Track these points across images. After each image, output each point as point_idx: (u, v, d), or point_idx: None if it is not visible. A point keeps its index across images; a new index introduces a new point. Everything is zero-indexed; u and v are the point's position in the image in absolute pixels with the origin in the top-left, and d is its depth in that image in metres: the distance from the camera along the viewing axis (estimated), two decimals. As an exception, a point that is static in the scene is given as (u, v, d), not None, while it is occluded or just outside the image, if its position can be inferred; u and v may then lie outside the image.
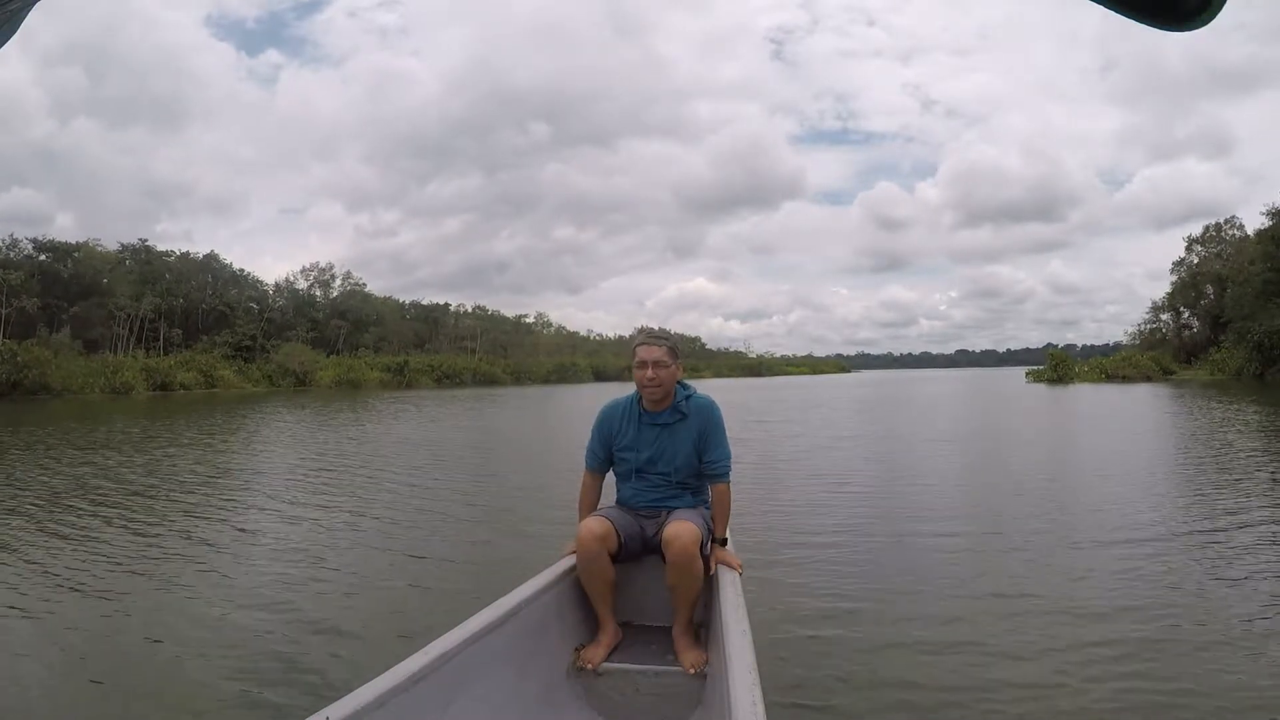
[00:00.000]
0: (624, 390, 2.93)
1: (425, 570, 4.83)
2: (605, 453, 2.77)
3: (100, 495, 7.56)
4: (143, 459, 10.73)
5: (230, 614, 3.91)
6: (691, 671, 2.29)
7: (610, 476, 2.86)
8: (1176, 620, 3.57)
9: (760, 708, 1.53)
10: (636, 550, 2.62)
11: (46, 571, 4.69)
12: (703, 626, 2.54)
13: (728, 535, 2.69)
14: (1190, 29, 0.46)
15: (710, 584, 2.53)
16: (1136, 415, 17.70)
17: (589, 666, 2.33)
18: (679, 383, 2.72)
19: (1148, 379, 45.39)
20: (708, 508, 2.71)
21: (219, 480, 8.81)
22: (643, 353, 2.62)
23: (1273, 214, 44.06)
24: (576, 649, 2.43)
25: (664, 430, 2.66)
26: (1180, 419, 15.90)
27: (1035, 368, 53.24)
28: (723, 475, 2.66)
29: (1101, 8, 0.47)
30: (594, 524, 2.49)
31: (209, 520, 6.37)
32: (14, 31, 0.58)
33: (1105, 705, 2.76)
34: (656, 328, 2.85)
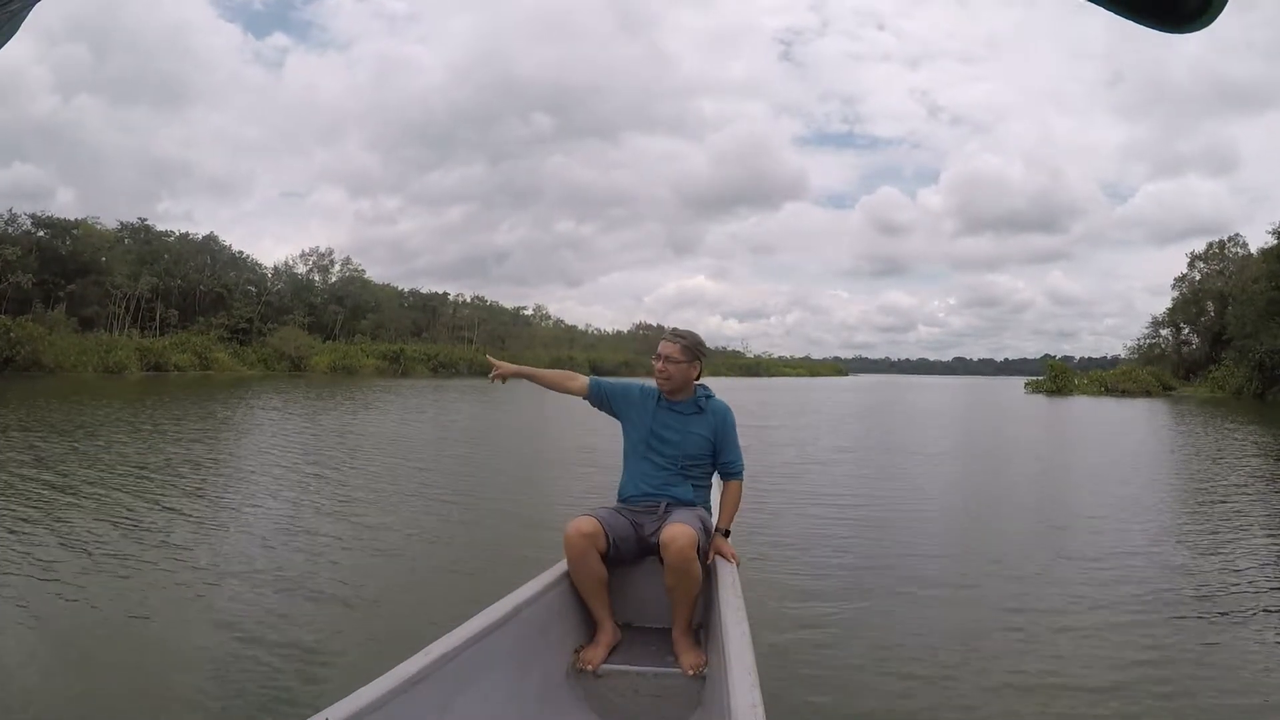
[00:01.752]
0: None
1: (417, 574, 4.66)
2: (613, 394, 2.91)
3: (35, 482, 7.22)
4: (89, 445, 10.39)
5: (214, 619, 3.76)
6: (690, 674, 2.28)
7: (610, 474, 2.98)
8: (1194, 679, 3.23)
9: (760, 709, 1.52)
10: (631, 551, 2.63)
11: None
12: (702, 627, 2.53)
13: (730, 529, 2.76)
14: (1191, 31, 0.46)
15: (709, 583, 2.55)
16: (1143, 434, 17.42)
17: (588, 668, 2.33)
18: (701, 384, 2.89)
19: (1147, 394, 45.30)
20: (706, 507, 2.79)
21: (170, 471, 8.52)
22: (661, 347, 2.83)
23: (1278, 232, 43.91)
24: (576, 650, 2.43)
25: (680, 416, 2.82)
26: (1192, 440, 15.41)
27: (1034, 378, 53.06)
28: (737, 474, 2.84)
29: (1107, 14, 0.46)
30: (582, 522, 2.50)
31: (172, 512, 6.10)
32: (14, 31, 0.58)
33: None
34: (666, 329, 3.08)
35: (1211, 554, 5.41)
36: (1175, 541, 5.81)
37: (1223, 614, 4.07)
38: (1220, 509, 7.27)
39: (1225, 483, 9.00)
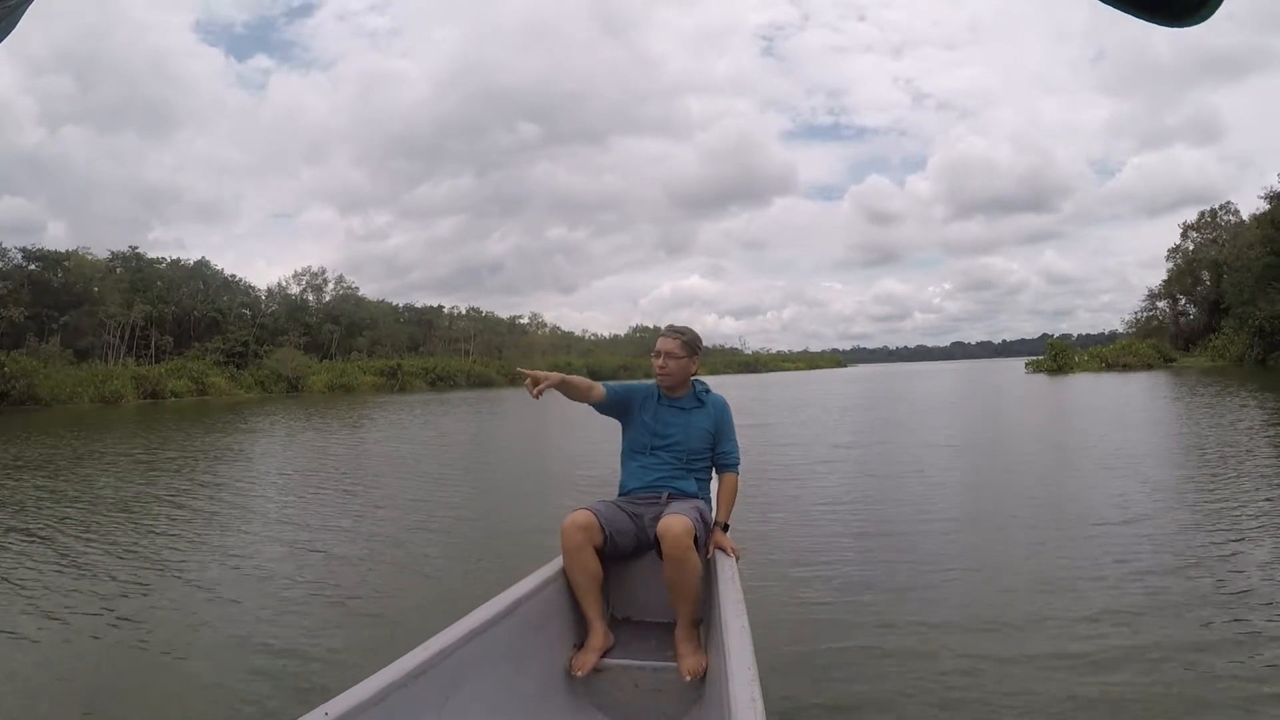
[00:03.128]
0: None
1: (411, 581, 4.57)
2: (623, 396, 2.90)
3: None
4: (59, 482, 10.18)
5: (211, 624, 3.74)
6: (689, 679, 2.26)
7: (610, 470, 3.00)
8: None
9: (759, 704, 1.51)
10: (629, 545, 2.62)
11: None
12: (702, 623, 2.51)
13: (729, 523, 2.77)
14: (1188, 25, 0.45)
15: (709, 577, 2.54)
16: (1152, 407, 17.09)
17: (578, 675, 2.30)
18: (697, 380, 2.94)
19: (1148, 367, 45.24)
20: (705, 500, 2.81)
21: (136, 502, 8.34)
22: (659, 344, 2.86)
23: (1270, 197, 43.93)
24: (575, 645, 2.42)
25: (681, 412, 2.86)
26: (1209, 413, 14.42)
27: (1035, 358, 52.91)
28: (733, 466, 2.90)
29: (1095, 1, 0.46)
30: (578, 515, 2.50)
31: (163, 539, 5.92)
32: (13, 27, 0.58)
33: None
34: (663, 327, 3.08)
35: (1263, 543, 4.85)
36: (1219, 532, 5.16)
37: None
38: (1260, 487, 6.70)
39: (1260, 457, 8.53)
